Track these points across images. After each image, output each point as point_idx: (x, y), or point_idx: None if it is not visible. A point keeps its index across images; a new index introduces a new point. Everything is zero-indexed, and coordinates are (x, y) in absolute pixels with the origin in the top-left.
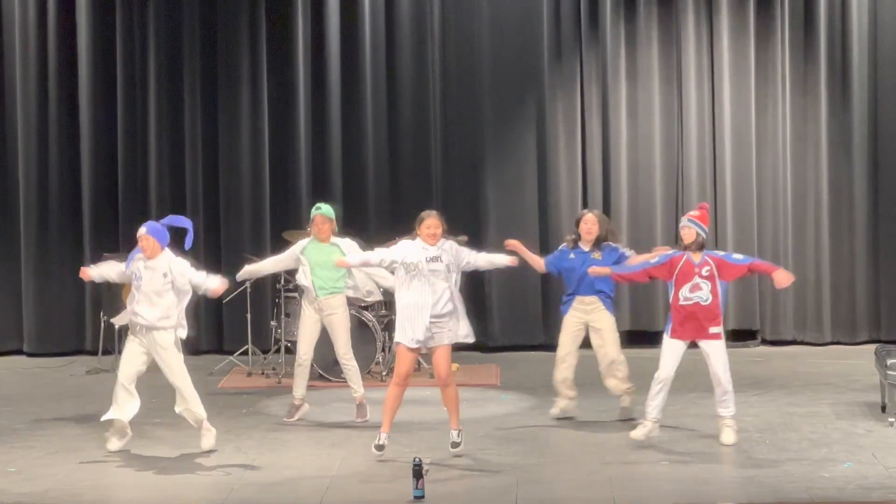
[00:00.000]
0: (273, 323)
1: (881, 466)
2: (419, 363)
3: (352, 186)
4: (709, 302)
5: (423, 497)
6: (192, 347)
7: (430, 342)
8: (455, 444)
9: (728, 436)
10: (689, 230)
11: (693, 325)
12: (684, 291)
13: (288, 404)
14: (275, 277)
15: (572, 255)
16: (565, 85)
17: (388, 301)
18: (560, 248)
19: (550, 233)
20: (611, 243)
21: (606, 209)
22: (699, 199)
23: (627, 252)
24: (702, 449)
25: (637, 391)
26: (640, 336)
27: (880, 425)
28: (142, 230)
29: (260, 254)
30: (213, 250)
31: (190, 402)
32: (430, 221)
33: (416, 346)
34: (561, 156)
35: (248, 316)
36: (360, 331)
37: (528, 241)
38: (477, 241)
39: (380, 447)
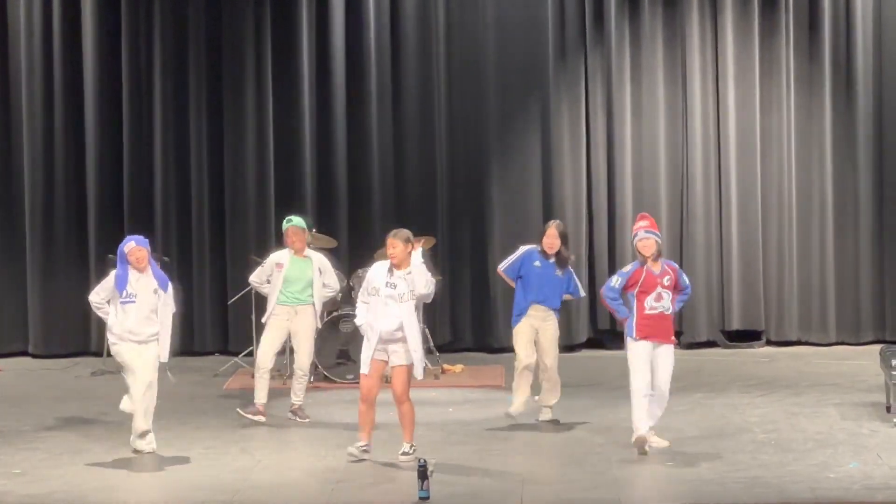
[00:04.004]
0: None
1: (887, 467)
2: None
3: (357, 187)
4: (670, 311)
5: (428, 498)
6: (197, 348)
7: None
8: (405, 454)
9: (659, 441)
10: (649, 241)
11: (656, 331)
12: (649, 301)
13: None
14: None
15: (537, 263)
16: (570, 85)
17: None
18: (524, 250)
19: None
20: (570, 267)
21: (611, 209)
22: (704, 199)
23: (575, 279)
24: (707, 449)
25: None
26: None
27: (885, 426)
28: (132, 244)
29: (264, 255)
30: (219, 251)
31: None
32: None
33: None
34: (565, 156)
35: (253, 317)
36: None
37: (531, 241)
38: (482, 240)
39: (362, 449)
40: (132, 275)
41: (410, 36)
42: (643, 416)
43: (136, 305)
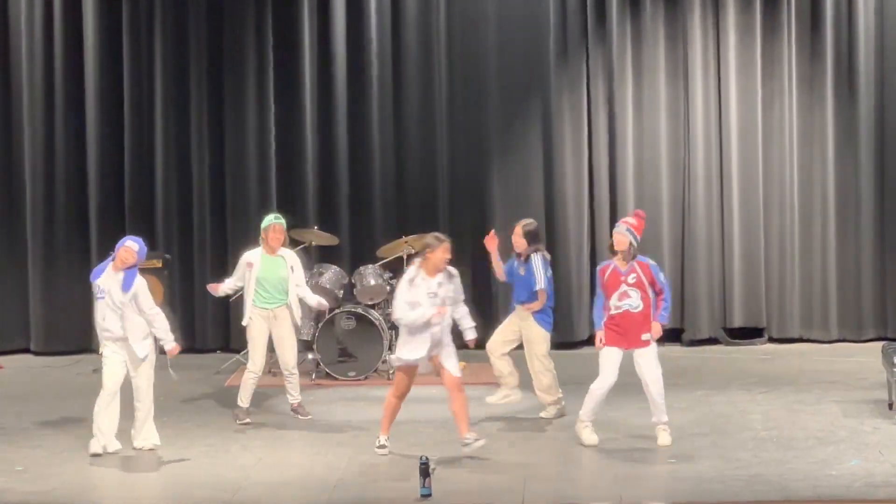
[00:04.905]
0: None
1: (888, 464)
2: None
3: (358, 186)
4: (639, 309)
5: (429, 495)
6: (198, 346)
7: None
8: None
9: (663, 438)
10: (624, 238)
11: (624, 333)
12: (613, 300)
13: (241, 411)
14: None
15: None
16: (572, 82)
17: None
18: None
19: (556, 230)
20: (538, 257)
21: (612, 206)
22: (705, 197)
23: (536, 265)
24: (708, 447)
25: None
26: None
27: (887, 423)
28: (132, 244)
29: None
30: (220, 249)
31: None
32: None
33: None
34: (567, 153)
35: None
36: (367, 329)
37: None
38: (483, 238)
39: (382, 446)
40: (108, 270)
41: (412, 34)
42: (588, 410)
43: (105, 301)
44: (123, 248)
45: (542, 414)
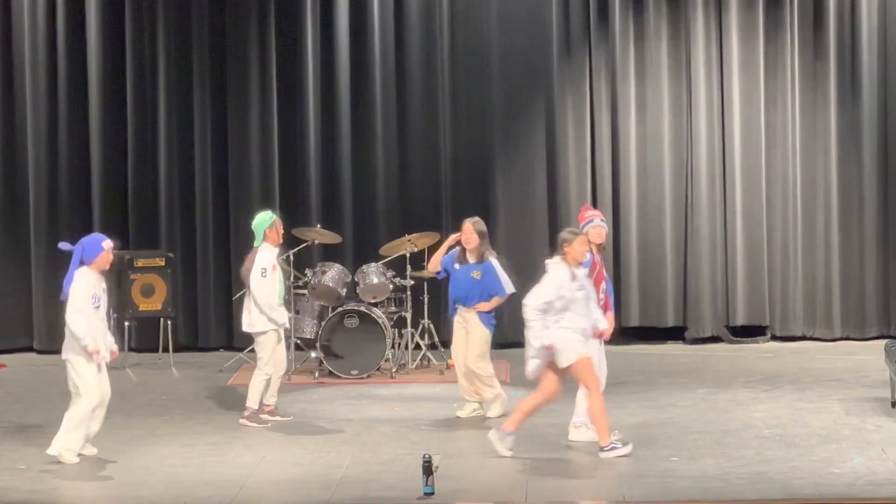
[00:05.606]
0: None
1: (891, 462)
2: (429, 360)
3: (361, 183)
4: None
5: (432, 493)
6: (202, 344)
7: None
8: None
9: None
10: (604, 230)
11: None
12: (599, 292)
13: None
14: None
15: (457, 266)
16: (574, 81)
17: (398, 298)
18: (455, 249)
19: (559, 228)
20: (490, 261)
21: (615, 205)
22: (709, 195)
23: (498, 271)
24: (711, 445)
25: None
26: (648, 332)
27: (890, 421)
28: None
29: None
30: (223, 246)
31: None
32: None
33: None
34: (570, 152)
35: None
36: (369, 328)
37: (536, 237)
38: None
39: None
40: (94, 276)
41: (415, 33)
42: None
43: (99, 311)
44: (106, 252)
45: (462, 411)
